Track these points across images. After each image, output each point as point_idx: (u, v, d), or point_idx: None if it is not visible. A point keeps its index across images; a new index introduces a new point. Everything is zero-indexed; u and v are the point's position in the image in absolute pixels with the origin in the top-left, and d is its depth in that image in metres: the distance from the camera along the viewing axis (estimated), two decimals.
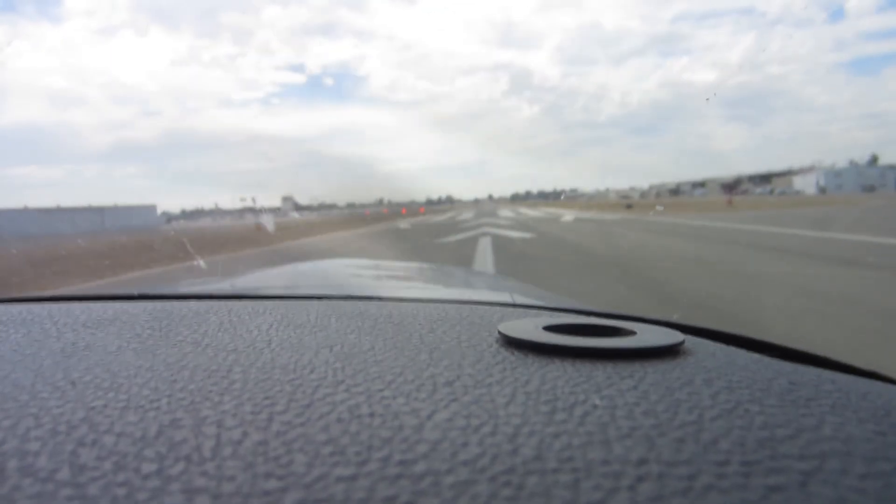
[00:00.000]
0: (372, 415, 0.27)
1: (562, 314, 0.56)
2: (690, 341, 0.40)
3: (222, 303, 0.59)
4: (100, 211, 49.61)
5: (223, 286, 1.03)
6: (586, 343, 0.36)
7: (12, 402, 0.30)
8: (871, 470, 0.22)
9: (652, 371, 0.32)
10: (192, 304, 0.59)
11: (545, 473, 0.21)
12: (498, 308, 0.57)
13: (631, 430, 0.25)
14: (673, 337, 0.38)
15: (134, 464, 0.23)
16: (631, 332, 0.39)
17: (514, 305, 0.64)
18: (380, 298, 0.63)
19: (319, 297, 0.63)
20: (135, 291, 0.68)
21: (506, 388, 0.30)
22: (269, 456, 0.23)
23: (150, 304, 0.58)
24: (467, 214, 30.99)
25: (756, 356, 0.38)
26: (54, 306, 0.57)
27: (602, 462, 0.22)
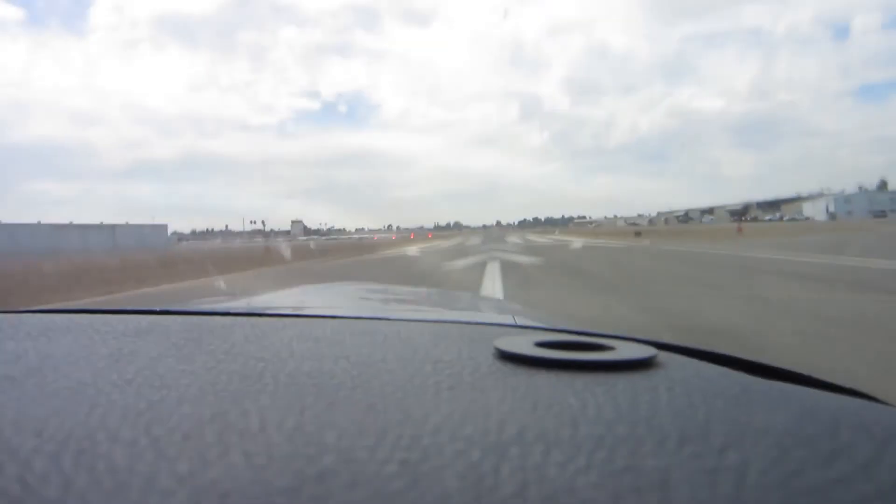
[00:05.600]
0: (385, 410, 0.32)
1: (554, 333, 0.61)
2: (664, 356, 0.43)
3: (244, 319, 0.64)
4: (111, 228, 49.85)
5: (241, 304, 1.08)
6: (570, 356, 0.41)
7: (82, 395, 0.34)
8: (793, 463, 0.25)
9: (623, 380, 0.37)
10: (217, 319, 0.64)
11: (523, 446, 0.27)
12: (497, 327, 0.61)
13: (595, 419, 0.30)
14: (646, 351, 0.43)
15: (198, 434, 0.28)
16: (612, 349, 0.44)
17: (512, 325, 0.69)
18: (388, 319, 0.68)
19: (333, 317, 0.68)
20: (158, 307, 0.73)
21: (498, 391, 0.35)
22: (304, 431, 0.28)
23: (178, 318, 0.63)
24: (475, 240, 31.10)
25: (721, 369, 0.43)
26: (93, 317, 0.63)
27: (569, 439, 0.27)
